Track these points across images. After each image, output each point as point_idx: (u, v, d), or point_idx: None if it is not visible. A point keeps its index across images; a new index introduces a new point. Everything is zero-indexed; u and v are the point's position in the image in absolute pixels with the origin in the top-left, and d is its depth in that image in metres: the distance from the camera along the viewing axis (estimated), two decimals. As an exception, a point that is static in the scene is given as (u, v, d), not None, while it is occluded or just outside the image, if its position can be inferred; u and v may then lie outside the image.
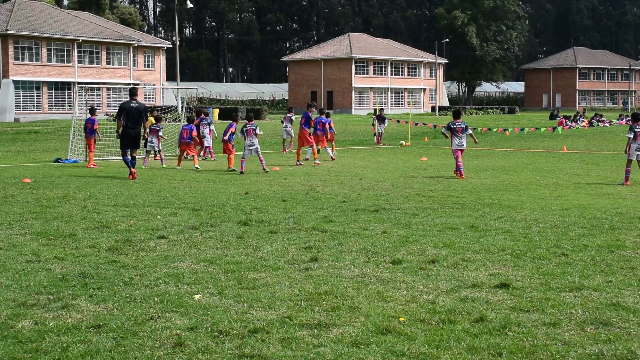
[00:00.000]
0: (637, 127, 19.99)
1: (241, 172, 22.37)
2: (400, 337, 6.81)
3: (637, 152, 19.85)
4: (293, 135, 31.53)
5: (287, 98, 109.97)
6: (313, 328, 7.06)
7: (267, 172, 22.54)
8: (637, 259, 10.01)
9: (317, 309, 7.65)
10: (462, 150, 21.47)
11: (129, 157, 20.83)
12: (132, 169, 20.74)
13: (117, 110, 22.08)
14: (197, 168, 24.13)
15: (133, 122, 20.76)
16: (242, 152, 23.36)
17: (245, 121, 23.39)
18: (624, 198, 16.65)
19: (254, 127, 22.99)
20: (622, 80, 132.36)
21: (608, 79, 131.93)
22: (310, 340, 6.71)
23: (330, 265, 9.66)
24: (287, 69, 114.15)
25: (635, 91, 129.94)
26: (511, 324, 7.17)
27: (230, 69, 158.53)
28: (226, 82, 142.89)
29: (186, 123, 26.34)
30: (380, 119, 38.60)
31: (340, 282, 8.79)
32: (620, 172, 20.38)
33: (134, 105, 20.80)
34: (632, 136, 19.92)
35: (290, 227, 12.48)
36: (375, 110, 44.90)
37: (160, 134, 26.10)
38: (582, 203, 15.63)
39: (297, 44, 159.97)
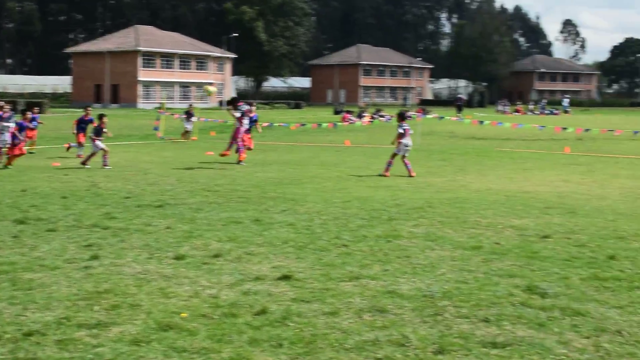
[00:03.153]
0: (405, 125, 21.10)
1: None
2: (182, 332, 6.76)
3: (407, 148, 20.91)
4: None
5: (70, 92, 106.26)
6: (92, 328, 6.87)
7: None
8: (413, 248, 10.48)
9: (96, 308, 7.45)
10: None
11: None
12: None
13: None
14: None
15: None
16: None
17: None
18: (403, 190, 17.39)
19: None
20: (402, 77, 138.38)
21: (390, 76, 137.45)
22: (89, 341, 6.53)
23: (111, 262, 9.43)
24: (71, 61, 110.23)
25: (414, 87, 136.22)
26: (292, 314, 7.30)
27: (9, 60, 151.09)
28: (5, 74, 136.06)
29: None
30: (189, 114, 37.57)
31: (121, 279, 8.60)
32: (399, 165, 20.89)
33: None
34: (402, 132, 20.92)
35: (70, 225, 12.07)
36: (161, 105, 44.14)
37: None
38: (362, 195, 16.18)
39: (82, 35, 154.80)
